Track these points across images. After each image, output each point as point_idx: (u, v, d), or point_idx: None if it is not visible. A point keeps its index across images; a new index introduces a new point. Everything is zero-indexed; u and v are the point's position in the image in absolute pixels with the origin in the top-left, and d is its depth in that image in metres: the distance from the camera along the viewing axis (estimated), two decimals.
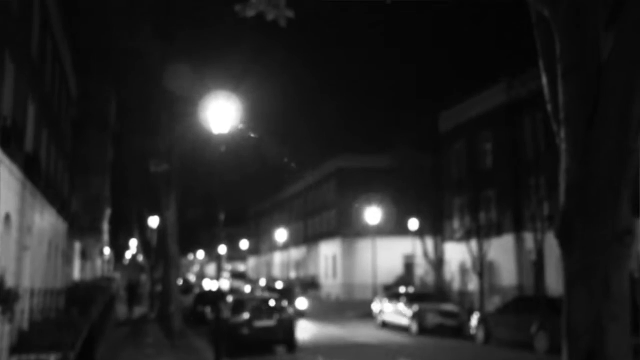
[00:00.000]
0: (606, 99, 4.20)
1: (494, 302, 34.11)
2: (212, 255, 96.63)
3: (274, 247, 79.56)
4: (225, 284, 54.75)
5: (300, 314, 35.29)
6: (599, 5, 4.37)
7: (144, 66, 26.41)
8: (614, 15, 4.29)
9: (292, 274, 70.94)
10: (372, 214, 43.72)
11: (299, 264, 71.43)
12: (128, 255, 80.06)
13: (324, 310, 41.41)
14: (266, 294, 30.39)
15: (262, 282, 54.77)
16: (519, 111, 36.61)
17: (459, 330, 27.26)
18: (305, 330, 28.81)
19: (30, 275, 22.04)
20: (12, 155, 17.53)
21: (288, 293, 36.99)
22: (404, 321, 28.68)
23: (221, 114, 15.39)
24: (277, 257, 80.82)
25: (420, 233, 45.17)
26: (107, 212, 51.91)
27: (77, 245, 43.24)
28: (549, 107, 4.72)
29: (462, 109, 43.62)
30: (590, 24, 4.32)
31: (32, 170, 21.42)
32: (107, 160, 47.52)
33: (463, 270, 42.38)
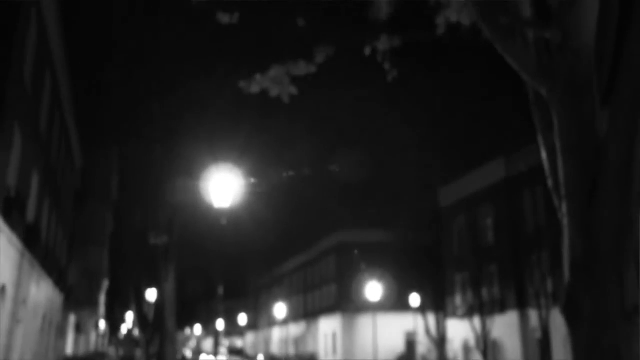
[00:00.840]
0: (606, 175, 4.24)
1: None
2: (209, 330, 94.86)
3: (272, 322, 78.21)
4: None
5: None
6: (594, 85, 4.48)
7: (147, 140, 26.78)
8: (608, 94, 4.39)
9: (291, 351, 69.41)
10: (373, 290, 43.19)
11: (298, 341, 70.00)
12: (124, 329, 78.65)
13: None
14: None
15: (260, 358, 53.52)
16: (519, 186, 36.79)
17: None
18: None
19: (21, 349, 21.58)
20: (13, 225, 17.53)
21: None
22: None
23: (223, 187, 15.47)
24: (276, 333, 79.30)
25: (422, 309, 44.48)
26: (105, 284, 51.36)
27: (72, 318, 42.52)
28: (549, 182, 4.75)
29: (462, 185, 43.84)
30: (587, 103, 4.41)
31: (31, 241, 21.34)
32: (106, 231, 47.42)
33: (467, 349, 41.46)
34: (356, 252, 53.32)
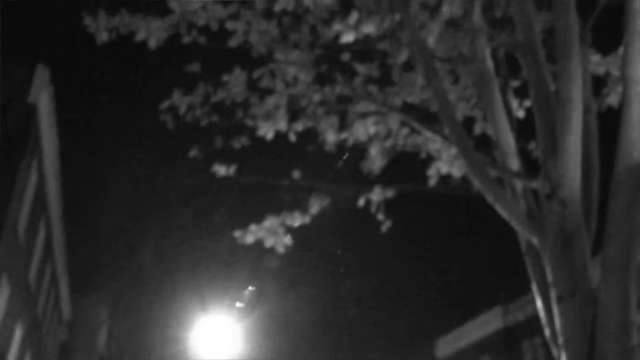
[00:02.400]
0: (602, 324, 4.20)
1: None
2: None
3: None
4: None
5: None
6: (584, 234, 4.56)
7: (139, 286, 26.45)
8: (598, 244, 4.47)
9: None
10: None
11: None
12: None
13: None
14: None
15: None
16: (518, 336, 35.95)
17: None
18: None
19: None
20: None
21: None
22: None
23: (215, 338, 15.08)
24: None
25: None
26: None
27: None
28: (546, 331, 4.69)
29: (460, 335, 42.82)
30: (578, 251, 4.47)
31: None
32: None
33: None
34: None
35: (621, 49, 4.86)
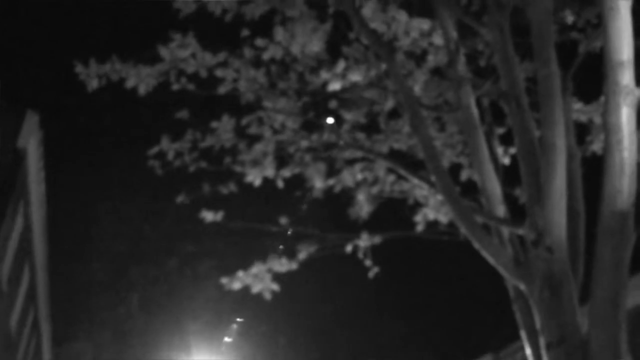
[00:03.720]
0: None
1: None
2: None
3: None
4: None
5: None
6: (572, 281, 4.57)
7: (124, 336, 25.97)
8: (586, 292, 4.48)
9: None
10: None
11: None
12: None
13: None
14: None
15: None
16: None
17: None
18: None
19: None
20: None
21: None
22: None
23: None
24: None
25: None
26: None
27: None
28: None
29: None
30: (566, 298, 4.46)
31: None
32: None
33: None
34: None
35: (602, 98, 4.97)
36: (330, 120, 6.18)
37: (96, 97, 6.27)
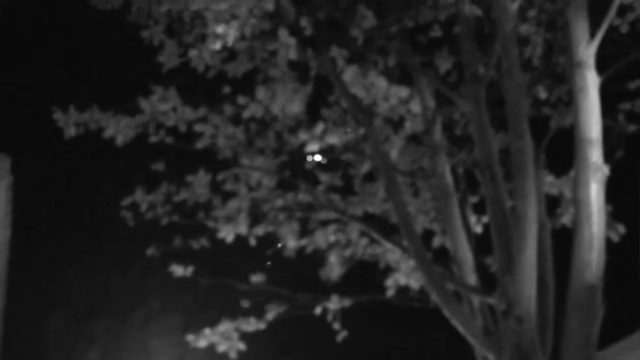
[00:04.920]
0: None
1: None
2: None
3: None
4: None
5: None
6: (541, 353, 4.57)
7: None
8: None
9: None
10: None
11: None
12: None
13: None
14: None
15: None
16: None
17: None
18: None
19: None
20: None
21: None
22: None
23: None
24: None
25: None
26: None
27: None
28: None
29: None
30: None
31: None
32: None
33: None
34: None
35: (572, 172, 5.10)
36: (317, 157, 6.19)
37: (72, 144, 6.24)
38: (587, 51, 4.89)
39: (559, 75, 5.99)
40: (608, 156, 5.03)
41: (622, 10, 5.56)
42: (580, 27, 4.95)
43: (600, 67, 5.06)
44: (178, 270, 6.40)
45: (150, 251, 6.40)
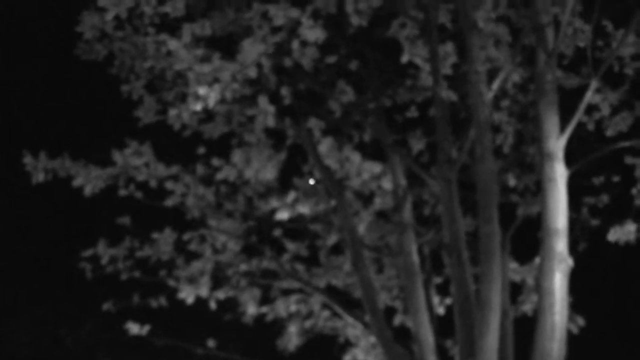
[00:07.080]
0: None
1: None
2: None
3: None
4: None
5: None
6: None
7: None
8: None
9: None
10: None
11: None
12: None
13: None
14: None
15: None
16: None
17: None
18: None
19: None
20: None
21: None
22: None
23: None
24: None
25: None
26: None
27: None
28: None
29: None
30: None
31: None
32: None
33: None
34: None
35: (536, 260, 5.17)
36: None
37: (38, 189, 6.12)
38: (557, 144, 5.05)
39: (528, 165, 6.15)
40: (571, 248, 5.11)
41: (590, 109, 5.79)
42: (551, 120, 5.12)
43: (567, 160, 5.21)
44: (134, 328, 6.22)
45: (107, 306, 6.23)
